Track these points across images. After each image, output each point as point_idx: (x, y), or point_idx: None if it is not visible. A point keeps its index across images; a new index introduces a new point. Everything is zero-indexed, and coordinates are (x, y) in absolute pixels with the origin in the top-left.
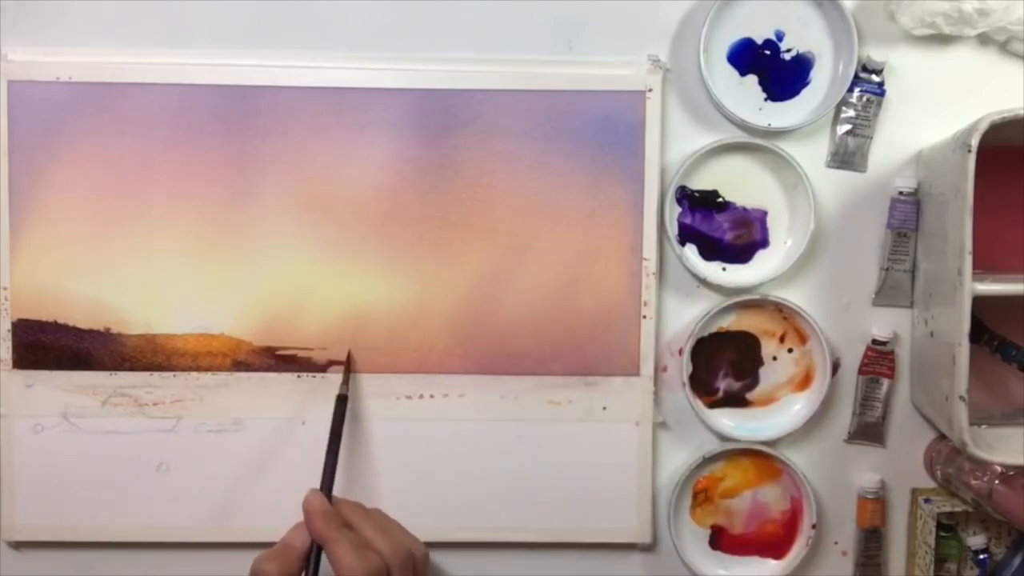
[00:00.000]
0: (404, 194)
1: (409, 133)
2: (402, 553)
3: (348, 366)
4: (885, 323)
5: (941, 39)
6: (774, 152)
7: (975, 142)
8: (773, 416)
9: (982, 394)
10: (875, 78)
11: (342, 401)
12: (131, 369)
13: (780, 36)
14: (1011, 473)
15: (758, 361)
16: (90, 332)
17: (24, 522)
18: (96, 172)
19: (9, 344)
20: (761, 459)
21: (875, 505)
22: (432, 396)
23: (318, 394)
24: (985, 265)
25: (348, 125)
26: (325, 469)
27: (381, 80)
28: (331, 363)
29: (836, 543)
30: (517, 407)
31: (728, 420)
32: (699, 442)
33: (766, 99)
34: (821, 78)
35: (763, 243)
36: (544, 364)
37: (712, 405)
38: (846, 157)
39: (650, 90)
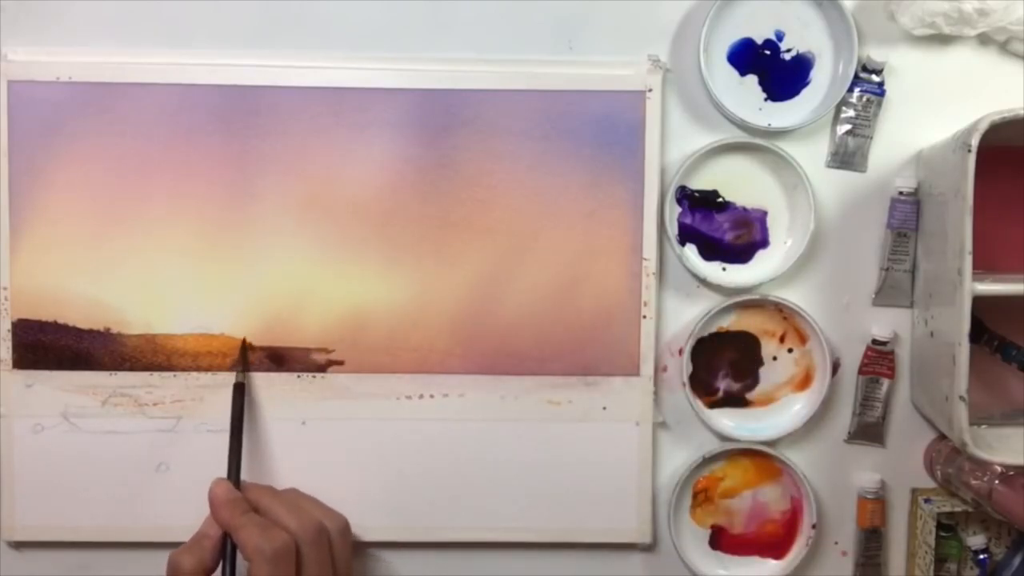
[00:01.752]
0: (404, 194)
1: (409, 133)
2: (312, 527)
3: (243, 354)
4: (885, 323)
5: (941, 39)
6: (774, 152)
7: (975, 142)
8: (773, 416)
9: (982, 394)
10: (875, 78)
11: (239, 389)
12: (131, 369)
13: (780, 36)
14: (1011, 473)
15: (758, 361)
16: (90, 332)
17: (24, 522)
18: (96, 172)
19: (9, 344)
20: (761, 459)
21: (875, 505)
22: (432, 396)
23: (318, 394)
24: (985, 265)
25: (348, 125)
26: (230, 457)
27: (381, 80)
28: (331, 363)
29: (836, 543)
30: (517, 407)
31: (728, 420)
32: (699, 442)
33: (766, 99)
34: (821, 78)
35: (763, 243)
36: (544, 364)
37: (712, 405)
38: (846, 157)
39: (650, 90)
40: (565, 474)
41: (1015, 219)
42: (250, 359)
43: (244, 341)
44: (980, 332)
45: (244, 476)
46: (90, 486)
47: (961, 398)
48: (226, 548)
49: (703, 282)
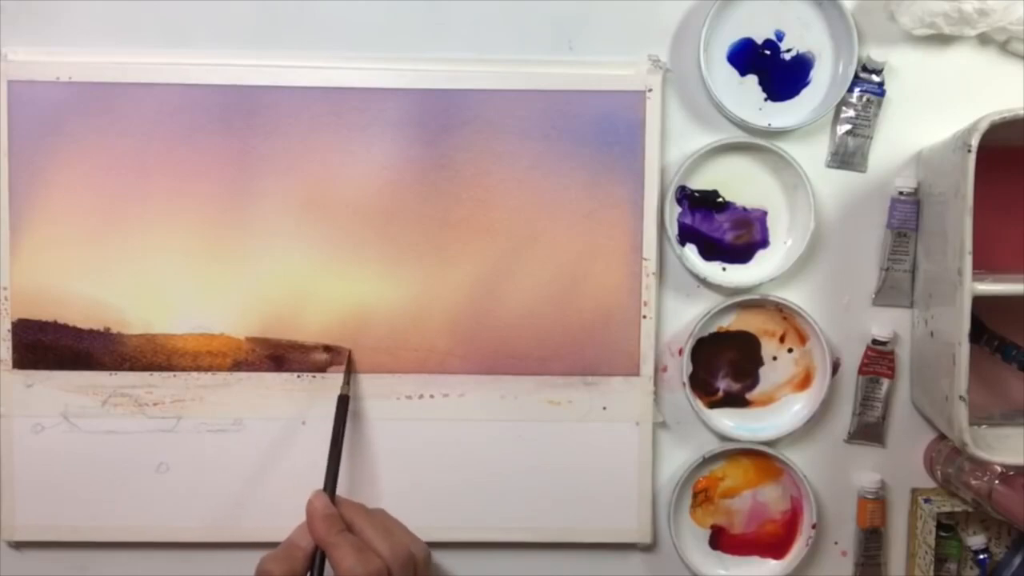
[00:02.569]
0: (404, 194)
1: (409, 133)
2: (403, 554)
3: (349, 366)
4: (885, 323)
5: (941, 39)
6: (774, 152)
7: (975, 142)
8: (773, 416)
9: (982, 394)
10: (875, 78)
11: (344, 401)
12: (131, 369)
13: (780, 36)
14: (1011, 473)
15: (758, 361)
16: (90, 332)
17: (24, 522)
18: (96, 172)
19: (9, 344)
20: (761, 459)
21: (875, 505)
22: (432, 396)
23: (318, 394)
24: (985, 265)
25: (348, 125)
26: (328, 470)
27: (381, 80)
28: (331, 363)
29: (836, 543)
30: (517, 407)
31: (728, 420)
32: (699, 442)
33: (766, 99)
34: (821, 78)
35: (763, 243)
36: (544, 364)
37: (712, 405)
38: (846, 157)
39: (650, 90)
40: (565, 474)
41: (1015, 219)
42: (251, 359)
43: (350, 353)
44: (980, 332)
45: (243, 475)
46: (90, 486)
47: (961, 398)
48: (315, 562)
49: (703, 282)
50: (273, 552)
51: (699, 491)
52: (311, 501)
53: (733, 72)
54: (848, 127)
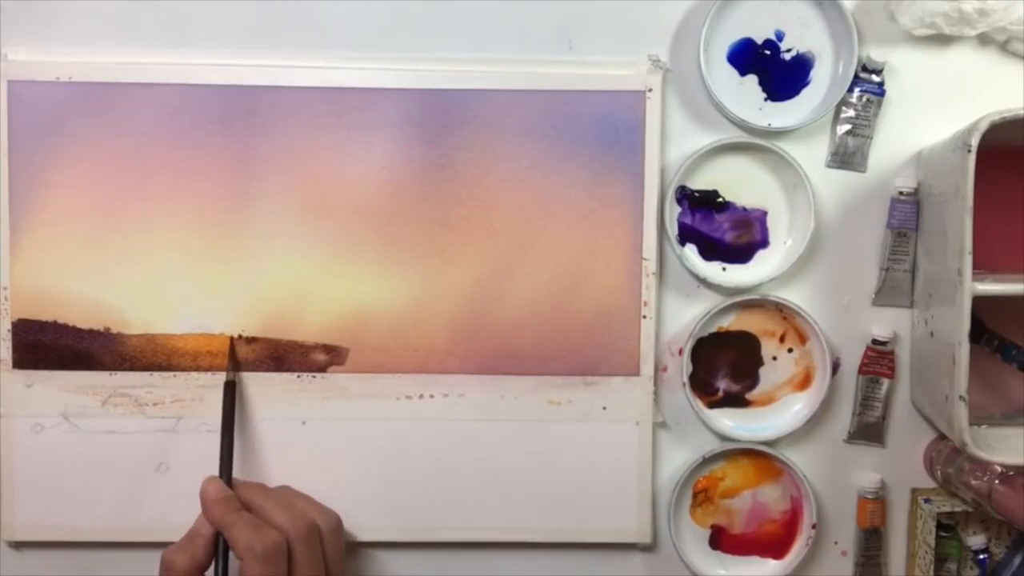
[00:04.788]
0: (404, 194)
1: (409, 133)
2: (303, 525)
3: (232, 353)
4: (885, 323)
5: (941, 39)
6: (774, 152)
7: (975, 142)
8: (773, 416)
9: (982, 394)
10: (875, 78)
11: (230, 387)
12: (131, 369)
13: (780, 36)
14: (1011, 473)
15: (758, 361)
16: (90, 332)
17: (24, 522)
18: (96, 172)
19: (9, 344)
20: (761, 459)
21: (875, 505)
22: (432, 396)
23: (318, 394)
24: (985, 265)
25: (348, 125)
26: (221, 454)
27: (381, 80)
28: (331, 363)
29: (836, 543)
30: (517, 407)
31: (728, 420)
32: (699, 442)
33: (766, 99)
34: (821, 78)
35: (763, 243)
36: (544, 364)
37: (712, 405)
38: (846, 157)
39: (650, 90)
40: (565, 474)
41: (1015, 219)
42: (250, 358)
43: (232, 340)
44: (980, 332)
45: (246, 476)
46: (90, 486)
47: (961, 398)
48: (218, 546)
49: (703, 282)
50: (175, 544)
51: (699, 491)
52: (203, 487)
53: (733, 72)
54: (848, 127)
